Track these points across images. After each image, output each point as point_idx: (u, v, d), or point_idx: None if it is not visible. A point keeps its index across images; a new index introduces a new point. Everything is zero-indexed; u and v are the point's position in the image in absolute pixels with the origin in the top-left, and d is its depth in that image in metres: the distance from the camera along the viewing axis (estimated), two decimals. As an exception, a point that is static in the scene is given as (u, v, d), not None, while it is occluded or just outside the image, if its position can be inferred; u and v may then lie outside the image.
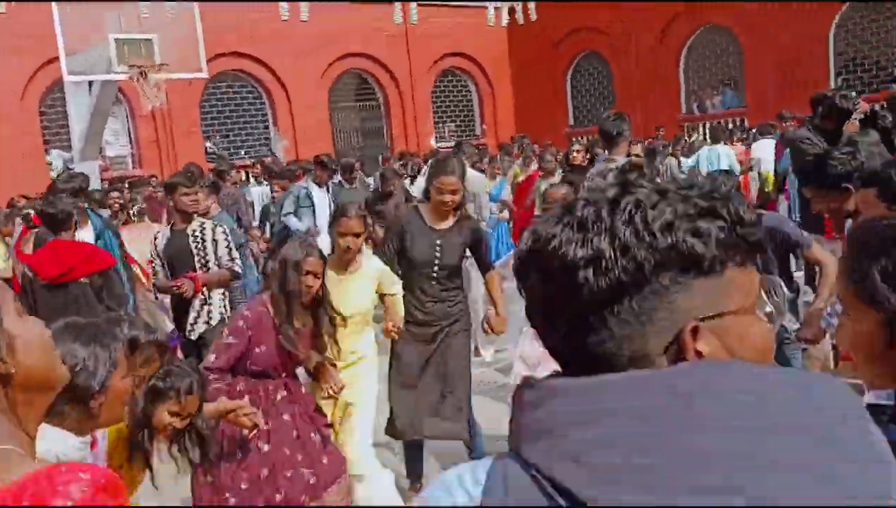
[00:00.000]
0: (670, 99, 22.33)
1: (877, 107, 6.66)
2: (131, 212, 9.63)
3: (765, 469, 0.71)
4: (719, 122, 18.38)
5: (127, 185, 12.33)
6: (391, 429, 4.28)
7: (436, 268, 4.17)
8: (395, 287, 4.20)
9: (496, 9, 24.95)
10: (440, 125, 24.75)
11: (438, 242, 4.15)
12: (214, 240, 5.20)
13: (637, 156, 5.48)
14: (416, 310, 4.21)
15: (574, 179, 5.40)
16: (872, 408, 1.52)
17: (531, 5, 24.62)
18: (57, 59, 11.48)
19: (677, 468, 0.72)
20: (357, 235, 3.93)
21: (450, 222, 4.20)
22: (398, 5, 22.83)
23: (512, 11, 25.20)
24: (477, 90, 25.36)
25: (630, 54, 22.66)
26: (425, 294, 4.19)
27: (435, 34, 23.06)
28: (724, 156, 8.78)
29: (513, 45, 25.16)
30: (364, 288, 4.06)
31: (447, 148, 21.41)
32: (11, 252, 6.15)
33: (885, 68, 18.51)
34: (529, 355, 2.96)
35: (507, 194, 9.32)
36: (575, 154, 6.83)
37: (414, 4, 22.98)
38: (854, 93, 6.47)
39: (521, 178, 9.48)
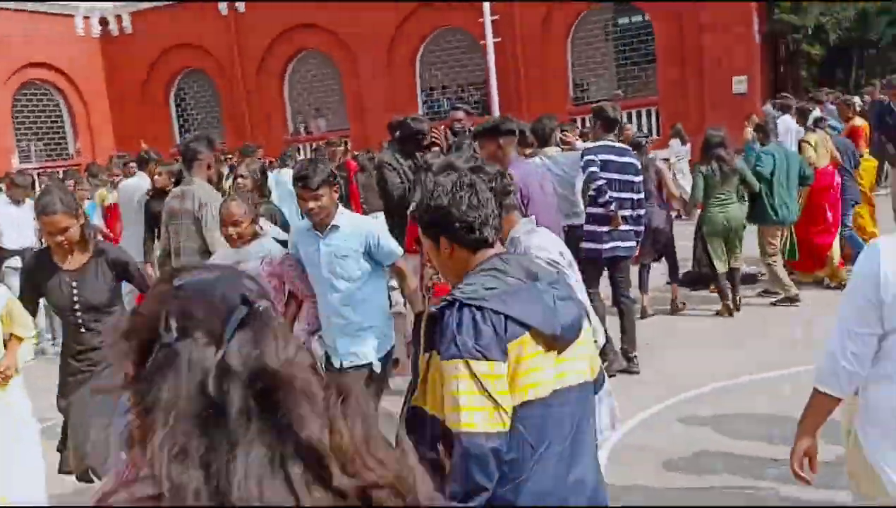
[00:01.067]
0: (278, 120, 22.72)
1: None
2: None
3: None
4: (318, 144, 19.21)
5: None
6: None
7: (78, 313, 3.73)
8: (27, 331, 3.75)
9: (85, 18, 23.07)
10: (24, 143, 22.08)
11: (73, 284, 3.73)
12: None
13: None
14: (73, 362, 3.81)
15: (155, 206, 5.16)
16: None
17: (125, 16, 23.23)
18: None
19: None
20: None
21: (84, 258, 3.77)
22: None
23: (104, 22, 23.50)
24: (68, 106, 23.12)
25: (236, 75, 22.56)
26: (80, 344, 3.76)
27: (12, 42, 20.47)
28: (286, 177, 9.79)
29: (108, 58, 23.49)
30: None
31: (33, 169, 19.18)
32: None
33: (463, 95, 20.98)
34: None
35: (97, 218, 8.71)
36: (158, 177, 6.41)
37: (-18, 6, 20.23)
38: (427, 118, 7.21)
39: (108, 202, 8.90)
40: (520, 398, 1.90)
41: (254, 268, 3.89)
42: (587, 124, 12.28)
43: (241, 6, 22.06)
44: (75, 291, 3.74)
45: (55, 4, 22.03)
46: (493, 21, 17.56)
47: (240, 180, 5.53)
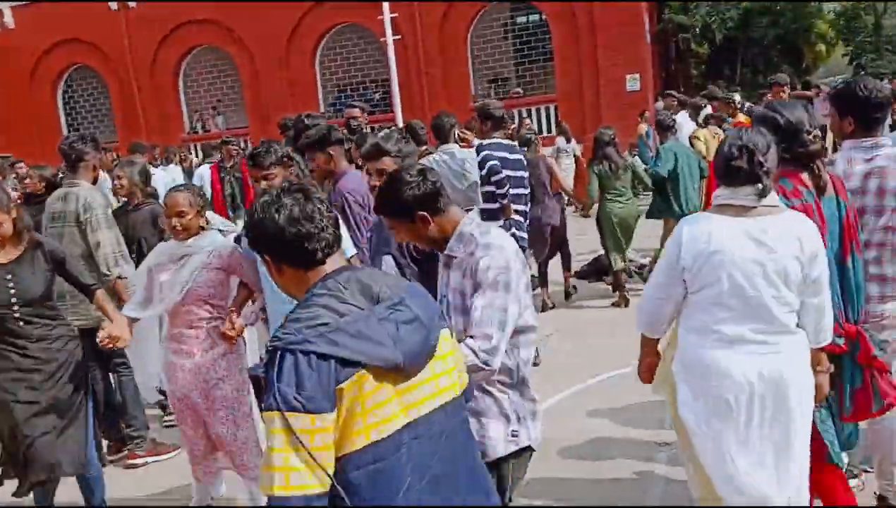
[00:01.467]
0: (174, 118, 22.04)
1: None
2: None
3: None
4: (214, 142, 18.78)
5: None
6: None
7: (16, 308, 3.63)
8: None
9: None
10: None
11: (9, 277, 3.64)
12: None
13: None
14: (16, 356, 3.67)
15: (30, 211, 4.85)
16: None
17: (7, 11, 22.16)
18: None
19: None
20: None
21: (18, 250, 3.69)
22: None
23: (-15, 17, 22.29)
24: (-56, 104, 21.78)
25: (128, 71, 21.76)
26: (18, 337, 3.66)
27: None
28: (198, 175, 9.95)
29: (-9, 53, 22.24)
30: None
31: None
32: None
33: (365, 93, 20.86)
34: None
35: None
36: (28, 181, 5.99)
37: None
38: (326, 116, 7.16)
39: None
40: (370, 437, 1.72)
41: (201, 261, 3.73)
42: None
43: (131, 3, 21.32)
44: (10, 284, 3.63)
45: (-74, -4, 20.72)
46: (392, 18, 17.53)
47: (116, 182, 5.30)
